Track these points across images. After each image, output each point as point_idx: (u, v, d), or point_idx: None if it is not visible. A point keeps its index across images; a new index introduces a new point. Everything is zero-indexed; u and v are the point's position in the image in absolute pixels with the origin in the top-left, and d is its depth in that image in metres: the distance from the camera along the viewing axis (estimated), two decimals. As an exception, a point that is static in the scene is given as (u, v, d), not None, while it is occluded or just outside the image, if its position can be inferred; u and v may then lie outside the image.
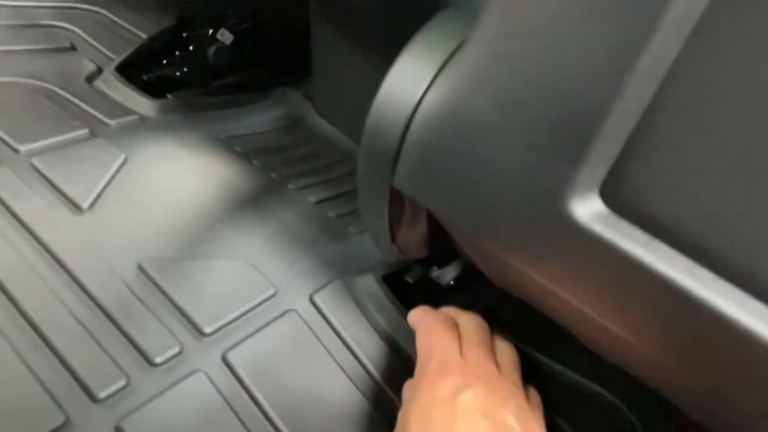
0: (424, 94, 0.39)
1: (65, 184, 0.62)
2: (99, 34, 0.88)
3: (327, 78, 0.86)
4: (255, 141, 0.83)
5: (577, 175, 0.31)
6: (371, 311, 0.60)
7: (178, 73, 0.87)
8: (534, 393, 0.53)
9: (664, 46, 0.28)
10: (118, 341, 0.51)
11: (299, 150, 0.85)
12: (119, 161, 0.68)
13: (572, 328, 0.49)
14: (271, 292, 0.59)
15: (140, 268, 0.57)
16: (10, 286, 0.52)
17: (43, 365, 0.47)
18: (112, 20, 0.93)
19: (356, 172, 0.46)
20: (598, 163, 0.31)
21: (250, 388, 0.51)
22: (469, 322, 0.53)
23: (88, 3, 0.93)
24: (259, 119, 0.88)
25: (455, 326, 0.52)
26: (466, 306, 0.64)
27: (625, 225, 0.31)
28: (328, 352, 0.56)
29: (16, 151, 0.65)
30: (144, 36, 0.88)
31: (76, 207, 0.61)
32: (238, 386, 0.51)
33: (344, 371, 0.55)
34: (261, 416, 0.50)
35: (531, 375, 0.54)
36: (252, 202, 0.70)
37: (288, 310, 0.58)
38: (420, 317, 0.54)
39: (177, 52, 0.88)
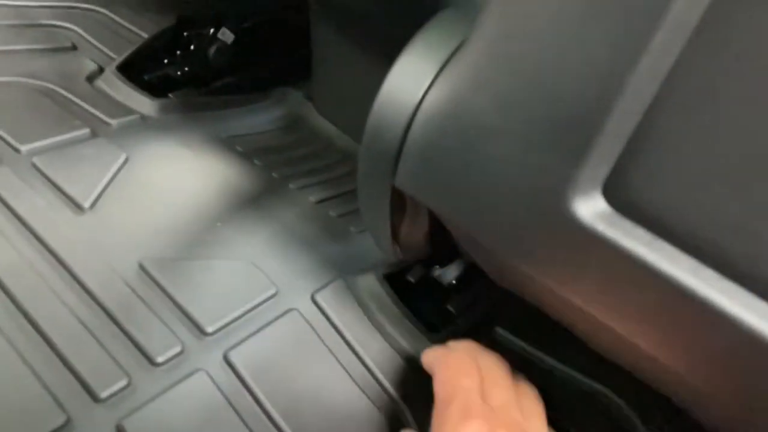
0: (426, 93, 0.39)
1: (66, 183, 0.62)
2: (100, 33, 0.88)
3: (327, 78, 0.86)
4: (256, 140, 0.83)
5: (579, 175, 0.31)
6: (373, 311, 0.60)
7: (179, 73, 0.87)
8: None
9: (665, 46, 0.28)
10: (119, 341, 0.51)
11: (300, 149, 0.84)
12: (120, 161, 0.68)
13: (574, 327, 0.49)
14: (272, 291, 0.59)
15: (141, 267, 0.57)
16: (11, 286, 0.52)
17: (44, 365, 0.47)
18: (113, 20, 0.93)
19: (357, 171, 0.46)
20: (600, 162, 0.31)
21: (252, 388, 0.51)
22: (490, 360, 0.50)
23: (88, 2, 0.93)
24: (259, 119, 0.88)
25: (475, 365, 0.48)
26: (467, 305, 0.65)
27: (628, 224, 0.31)
28: (330, 351, 0.56)
29: (17, 150, 0.65)
30: (145, 35, 0.88)
31: (78, 206, 0.61)
32: (239, 386, 0.51)
33: (346, 371, 0.55)
34: (263, 416, 0.50)
35: (533, 374, 0.54)
36: (253, 201, 0.70)
37: (289, 310, 0.58)
38: (436, 357, 0.51)
39: (178, 52, 0.88)
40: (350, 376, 0.55)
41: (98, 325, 0.51)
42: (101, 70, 0.81)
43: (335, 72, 0.84)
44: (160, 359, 0.50)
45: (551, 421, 0.51)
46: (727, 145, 0.28)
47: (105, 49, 0.86)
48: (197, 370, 0.51)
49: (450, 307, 0.63)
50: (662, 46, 0.28)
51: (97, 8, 0.93)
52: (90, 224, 0.60)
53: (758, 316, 0.28)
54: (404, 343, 0.58)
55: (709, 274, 0.30)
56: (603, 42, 0.28)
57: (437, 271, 0.65)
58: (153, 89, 0.80)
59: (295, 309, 0.58)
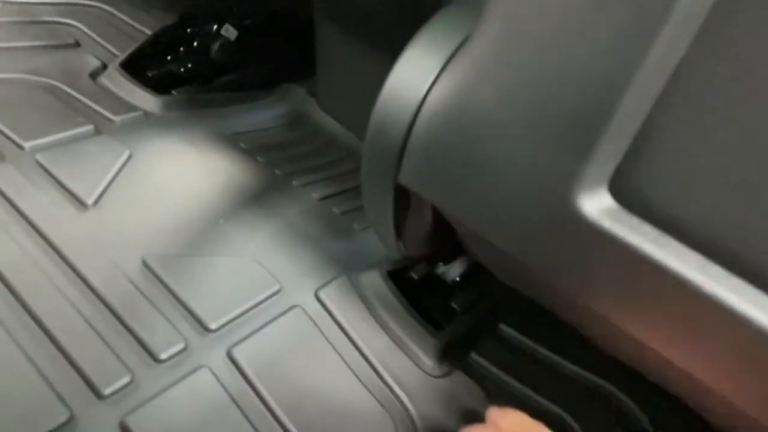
0: (430, 89, 0.38)
1: (70, 180, 0.62)
2: (103, 30, 0.88)
3: (331, 74, 0.86)
4: (259, 137, 0.83)
5: (585, 171, 0.31)
6: (376, 307, 0.60)
7: (182, 69, 0.86)
8: None
9: (672, 41, 0.28)
10: (122, 337, 0.51)
11: (303, 146, 0.84)
12: (124, 157, 0.68)
13: (578, 324, 0.49)
14: (275, 288, 0.59)
15: (145, 264, 0.57)
16: (15, 283, 0.52)
17: (47, 361, 0.47)
18: (115, 17, 0.92)
19: (361, 168, 0.46)
20: (607, 158, 0.30)
21: (256, 384, 0.51)
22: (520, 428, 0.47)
23: (91, -1, 0.93)
24: (263, 116, 0.87)
25: None
26: (471, 302, 0.64)
27: (634, 220, 0.31)
28: (334, 348, 0.56)
29: (20, 147, 0.65)
30: (148, 32, 0.88)
31: (81, 203, 0.61)
32: (243, 382, 0.51)
33: (349, 367, 0.55)
34: (266, 412, 0.50)
35: (539, 371, 0.54)
36: (256, 198, 0.70)
37: (293, 306, 0.58)
38: None
39: (181, 49, 0.88)
40: (354, 372, 0.55)
41: (101, 322, 0.51)
42: (104, 66, 0.81)
43: (338, 69, 0.84)
44: (163, 356, 0.50)
45: (558, 417, 0.51)
46: (735, 141, 0.28)
47: (108, 46, 0.85)
48: (200, 367, 0.51)
49: (454, 305, 0.63)
50: (669, 42, 0.27)
51: (100, 5, 0.93)
52: (93, 221, 0.60)
53: (766, 314, 0.28)
54: (407, 340, 0.58)
55: (717, 270, 0.30)
56: (610, 36, 0.28)
57: (441, 269, 0.64)
58: (156, 86, 0.80)
59: (299, 306, 0.58)
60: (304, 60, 0.89)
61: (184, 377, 0.50)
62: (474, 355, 0.61)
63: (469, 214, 0.39)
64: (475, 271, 0.64)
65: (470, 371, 0.59)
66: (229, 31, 0.87)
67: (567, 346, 0.61)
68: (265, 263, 0.61)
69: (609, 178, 0.31)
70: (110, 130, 0.71)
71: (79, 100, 0.74)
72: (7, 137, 0.66)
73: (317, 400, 0.52)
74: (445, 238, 0.54)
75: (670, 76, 0.28)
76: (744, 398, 0.32)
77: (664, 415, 0.56)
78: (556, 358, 0.61)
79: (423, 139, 0.39)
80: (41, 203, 0.59)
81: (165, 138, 0.74)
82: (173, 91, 0.83)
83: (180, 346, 0.51)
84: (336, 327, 0.58)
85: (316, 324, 0.57)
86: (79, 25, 0.88)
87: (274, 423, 0.50)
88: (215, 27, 0.87)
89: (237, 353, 0.52)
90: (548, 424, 0.56)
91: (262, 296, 0.58)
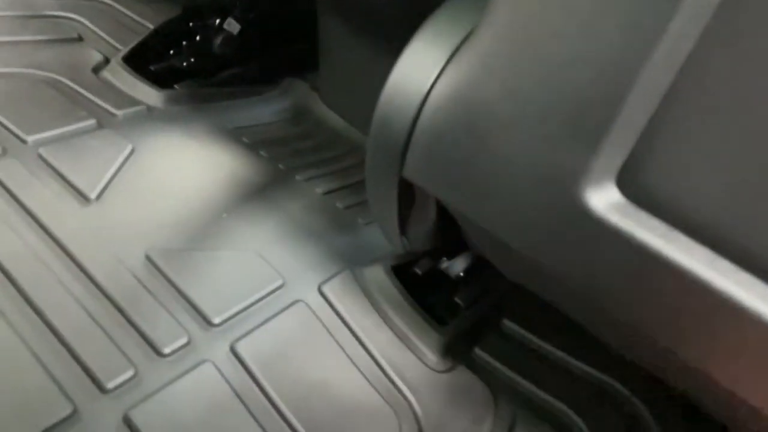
0: (435, 82, 0.38)
1: (72, 174, 0.62)
2: (105, 24, 0.88)
3: (334, 69, 0.85)
4: (262, 132, 0.82)
5: (592, 165, 0.30)
6: (380, 302, 0.59)
7: (184, 64, 0.86)
8: None
9: (681, 32, 0.27)
10: (125, 331, 0.51)
11: (306, 141, 0.84)
12: (126, 152, 0.67)
13: (583, 320, 0.49)
14: (279, 282, 0.59)
15: (148, 258, 0.57)
16: (18, 276, 0.51)
17: (50, 355, 0.47)
18: (118, 10, 0.92)
19: (364, 162, 0.46)
20: (614, 152, 0.30)
21: (259, 379, 0.51)
22: None
23: (94, -7, 0.93)
24: (265, 110, 0.87)
25: None
26: (475, 298, 0.64)
27: (642, 215, 0.31)
28: (337, 342, 0.56)
29: (23, 141, 0.65)
30: (150, 26, 0.88)
31: (84, 197, 0.61)
32: (246, 377, 0.51)
33: (353, 362, 0.55)
34: (269, 407, 0.50)
35: (543, 367, 0.54)
36: (259, 193, 0.70)
37: (296, 301, 0.58)
38: None
39: (183, 43, 0.87)
40: (357, 367, 0.55)
41: (104, 316, 0.51)
42: (107, 61, 0.81)
43: (342, 63, 0.83)
44: (166, 350, 0.50)
45: (561, 412, 0.51)
46: (745, 135, 0.28)
47: (111, 40, 0.85)
48: (204, 362, 0.51)
49: (457, 300, 0.63)
50: (678, 33, 0.27)
51: (103, -1, 0.93)
52: (96, 215, 0.60)
53: (776, 309, 0.27)
54: (411, 335, 0.58)
55: (726, 265, 0.29)
56: (618, 27, 0.28)
57: (445, 264, 0.64)
58: (159, 80, 0.79)
59: (302, 300, 0.58)
60: (307, 54, 0.89)
61: (187, 371, 0.50)
62: (478, 351, 0.61)
63: (474, 208, 0.38)
64: (479, 267, 0.63)
65: (474, 367, 0.59)
66: (232, 25, 0.86)
67: (572, 342, 0.61)
68: (268, 258, 0.61)
69: (617, 172, 0.31)
70: (113, 124, 0.71)
71: (82, 95, 0.74)
72: (10, 131, 0.65)
73: (320, 394, 0.52)
74: (449, 234, 0.54)
75: (679, 68, 0.28)
76: (756, 395, 0.31)
77: (670, 412, 0.56)
78: (561, 354, 0.61)
79: (428, 133, 0.38)
80: (44, 197, 0.59)
81: (167, 132, 0.74)
82: (176, 86, 0.83)
83: (183, 341, 0.51)
84: (339, 322, 0.58)
85: (319, 319, 0.57)
86: (81, 19, 0.88)
87: (277, 417, 0.49)
88: (218, 21, 0.87)
89: (240, 348, 0.52)
90: (552, 421, 0.56)
91: (265, 291, 0.57)
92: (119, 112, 0.73)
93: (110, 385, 0.47)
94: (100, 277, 0.53)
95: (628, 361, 0.50)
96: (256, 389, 0.51)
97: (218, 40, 0.86)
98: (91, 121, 0.70)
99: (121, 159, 0.66)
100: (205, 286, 0.56)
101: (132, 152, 0.68)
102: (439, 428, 0.53)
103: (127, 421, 0.46)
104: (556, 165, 0.32)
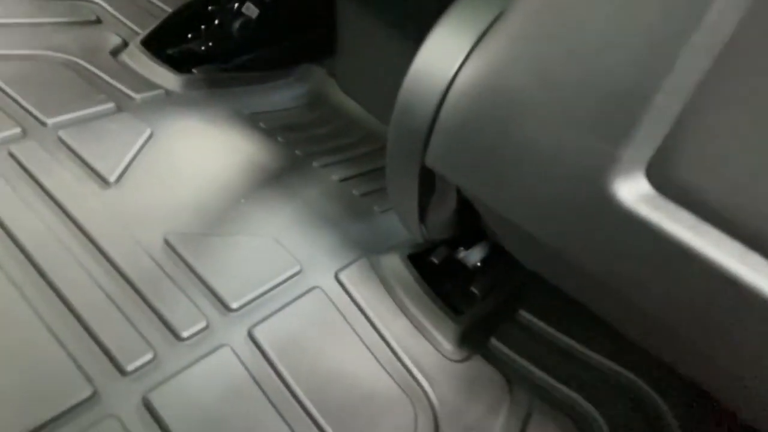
0: (459, 68, 0.37)
1: (92, 157, 0.62)
2: (124, 7, 0.88)
3: (351, 54, 0.85)
4: (279, 118, 0.82)
5: (622, 155, 0.30)
6: (396, 291, 0.59)
7: (202, 48, 0.86)
8: None
9: (721, 18, 0.26)
10: (145, 315, 0.51)
11: (323, 127, 0.84)
12: (145, 135, 0.67)
13: (602, 310, 0.48)
14: (296, 268, 0.59)
15: (166, 242, 0.57)
16: (38, 259, 0.52)
17: (71, 338, 0.48)
18: (136, -7, 0.92)
19: (381, 149, 0.45)
20: (645, 142, 0.29)
21: (276, 364, 0.51)
22: None
23: (112, -25, 0.92)
24: (283, 96, 0.87)
25: None
26: (491, 287, 0.64)
27: (672, 207, 0.30)
28: (353, 329, 0.56)
29: (43, 124, 0.65)
30: (169, 9, 0.88)
31: (104, 180, 0.61)
32: (263, 361, 0.51)
33: (369, 349, 0.55)
34: (286, 391, 0.50)
35: (559, 358, 0.54)
36: (277, 178, 0.70)
37: (313, 287, 0.58)
38: None
39: (202, 27, 0.87)
40: (373, 355, 0.55)
41: (124, 299, 0.51)
42: (125, 44, 0.81)
43: (360, 49, 0.83)
44: (185, 334, 0.51)
45: (575, 402, 0.51)
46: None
47: (129, 23, 0.85)
48: (222, 346, 0.51)
49: (474, 289, 0.63)
50: (718, 18, 0.26)
51: (121, -19, 0.92)
52: (116, 198, 0.60)
53: (809, 305, 0.27)
54: (427, 324, 0.58)
55: (757, 260, 0.29)
56: (656, 10, 0.27)
57: (461, 253, 0.64)
58: (176, 64, 0.79)
59: (319, 287, 0.58)
60: (325, 40, 0.88)
61: (205, 355, 0.50)
62: (494, 341, 0.61)
63: (497, 197, 0.38)
64: (496, 257, 0.63)
65: (489, 356, 0.59)
66: (251, 9, 0.85)
67: (588, 333, 0.60)
68: (285, 244, 0.61)
69: (647, 162, 0.30)
70: (131, 107, 0.71)
71: (101, 78, 0.74)
72: (30, 113, 0.66)
73: (336, 380, 0.52)
74: (469, 223, 0.54)
75: (716, 55, 0.27)
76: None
77: (683, 402, 0.56)
78: (577, 345, 0.61)
79: (452, 120, 0.38)
80: (64, 180, 0.60)
81: (185, 117, 0.74)
82: (194, 70, 0.82)
83: (201, 325, 0.52)
84: (356, 309, 0.58)
85: (336, 306, 0.57)
86: (99, 1, 0.88)
87: (294, 402, 0.50)
88: (236, 5, 0.86)
89: (258, 333, 0.53)
90: (567, 411, 0.56)
91: (282, 277, 0.58)
92: (138, 96, 0.73)
93: (130, 367, 0.47)
94: (119, 260, 0.54)
95: (644, 352, 0.49)
96: (273, 374, 0.51)
97: (236, 25, 0.85)
98: (110, 105, 0.70)
99: (140, 143, 0.66)
100: (222, 271, 0.56)
101: (150, 136, 0.68)
102: (455, 417, 0.53)
103: (146, 404, 0.46)
104: (585, 154, 0.31)
